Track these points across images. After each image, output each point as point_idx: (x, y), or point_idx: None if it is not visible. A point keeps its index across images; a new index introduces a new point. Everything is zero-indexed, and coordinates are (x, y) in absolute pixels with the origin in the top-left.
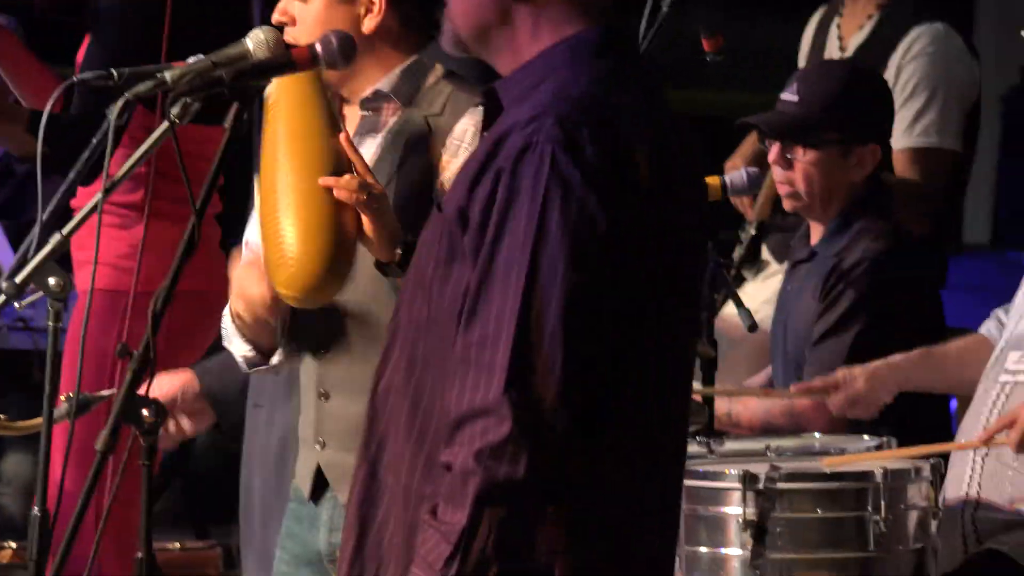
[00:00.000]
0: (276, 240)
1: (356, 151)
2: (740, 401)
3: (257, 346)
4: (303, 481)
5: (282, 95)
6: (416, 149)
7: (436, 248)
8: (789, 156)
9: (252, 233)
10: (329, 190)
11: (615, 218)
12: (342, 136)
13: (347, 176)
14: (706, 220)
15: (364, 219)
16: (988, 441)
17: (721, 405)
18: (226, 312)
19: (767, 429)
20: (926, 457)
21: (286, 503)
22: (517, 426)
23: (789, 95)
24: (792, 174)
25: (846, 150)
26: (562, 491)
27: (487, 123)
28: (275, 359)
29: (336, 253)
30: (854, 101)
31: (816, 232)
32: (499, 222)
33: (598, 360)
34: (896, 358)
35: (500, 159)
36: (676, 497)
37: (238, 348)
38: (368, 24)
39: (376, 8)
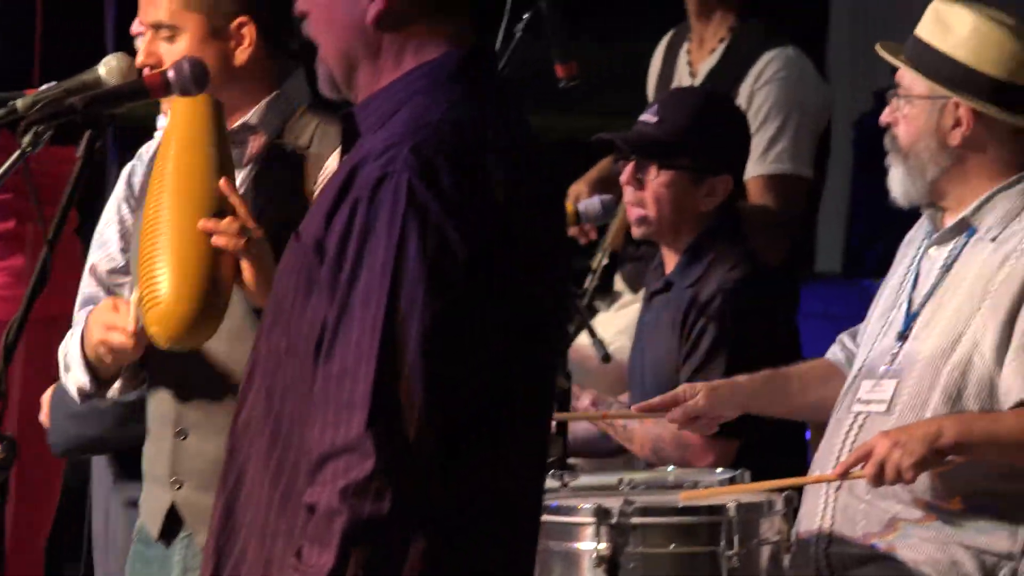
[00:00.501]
0: (151, 279)
1: (238, 195)
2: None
3: (97, 375)
4: (152, 520)
5: (177, 125)
6: (283, 183)
7: (294, 278)
8: (641, 176)
9: (96, 255)
10: (209, 236)
11: (474, 246)
12: (222, 182)
13: (227, 220)
14: (566, 247)
15: (243, 265)
16: (844, 475)
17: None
18: (67, 340)
19: (656, 453)
20: (780, 490)
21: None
22: (381, 462)
23: (649, 116)
24: (643, 195)
25: (698, 178)
26: (428, 521)
27: (345, 148)
28: (111, 392)
29: (210, 298)
30: (711, 130)
31: (670, 262)
32: (356, 253)
33: (460, 388)
34: (740, 378)
35: (356, 189)
36: (536, 527)
37: (75, 378)
38: (240, 57)
39: (247, 40)
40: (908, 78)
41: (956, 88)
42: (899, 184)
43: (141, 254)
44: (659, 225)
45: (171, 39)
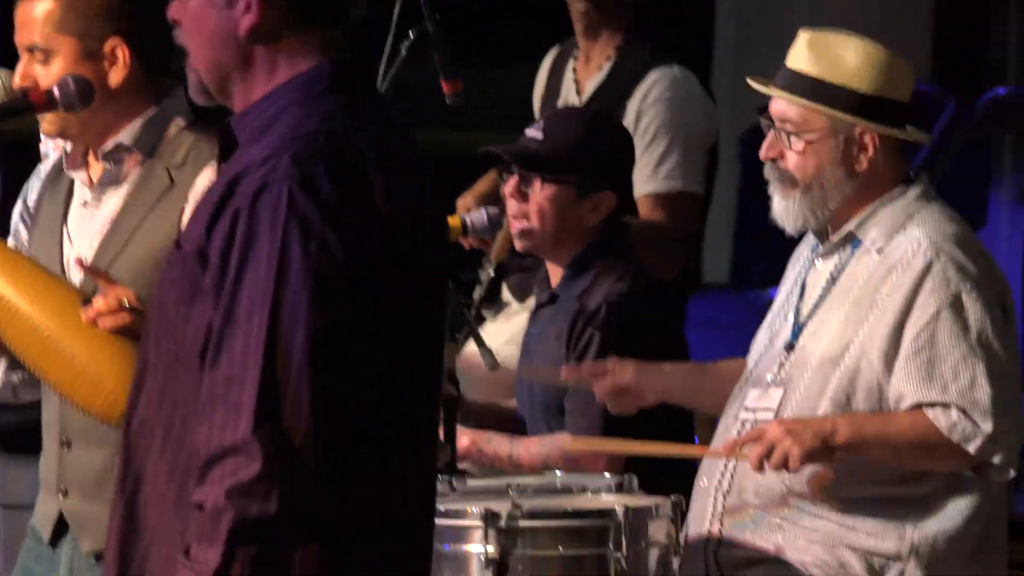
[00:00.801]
0: (76, 380)
1: (95, 270)
2: (521, 444)
3: None
4: (43, 525)
5: None
6: (158, 202)
7: (177, 287)
8: (525, 190)
9: None
10: (93, 324)
11: (355, 253)
12: (76, 259)
13: (100, 299)
14: (447, 256)
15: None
16: (732, 452)
17: (503, 448)
18: None
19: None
20: (669, 469)
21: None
22: (267, 463)
23: (534, 132)
24: (527, 207)
25: (582, 193)
26: (315, 526)
27: (223, 158)
28: None
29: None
30: (595, 147)
31: (555, 275)
32: (239, 262)
33: (346, 394)
34: (666, 365)
35: (237, 198)
36: (428, 535)
37: None
38: (114, 78)
39: (120, 61)
40: (796, 113)
41: (859, 115)
42: (793, 215)
43: (47, 368)
44: (542, 238)
45: (45, 61)
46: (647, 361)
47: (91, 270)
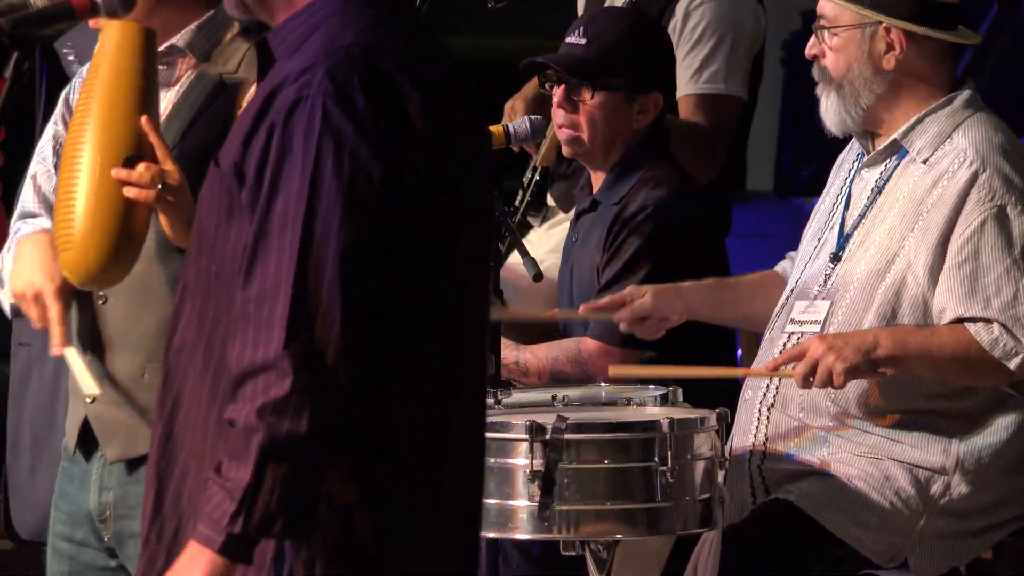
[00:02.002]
0: (65, 220)
1: (158, 135)
2: (528, 349)
3: None
4: (70, 433)
5: (106, 52)
6: (209, 107)
7: (216, 204)
8: (575, 98)
9: (37, 167)
10: (121, 184)
11: (389, 168)
12: (143, 120)
13: (141, 168)
14: (490, 166)
15: (159, 212)
16: (775, 371)
17: (509, 354)
18: (3, 256)
19: (555, 377)
20: (713, 384)
21: (57, 451)
22: (299, 381)
23: (576, 38)
24: (576, 117)
25: (630, 97)
26: (349, 444)
27: (261, 74)
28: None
29: (120, 247)
30: (639, 48)
31: (597, 181)
32: (273, 177)
33: (381, 311)
34: (685, 283)
35: (272, 113)
36: (478, 447)
37: (7, 295)
38: None
39: None
40: (831, 8)
41: (884, 12)
42: (833, 114)
43: (60, 188)
44: (592, 146)
45: None
46: (685, 268)
47: (148, 126)
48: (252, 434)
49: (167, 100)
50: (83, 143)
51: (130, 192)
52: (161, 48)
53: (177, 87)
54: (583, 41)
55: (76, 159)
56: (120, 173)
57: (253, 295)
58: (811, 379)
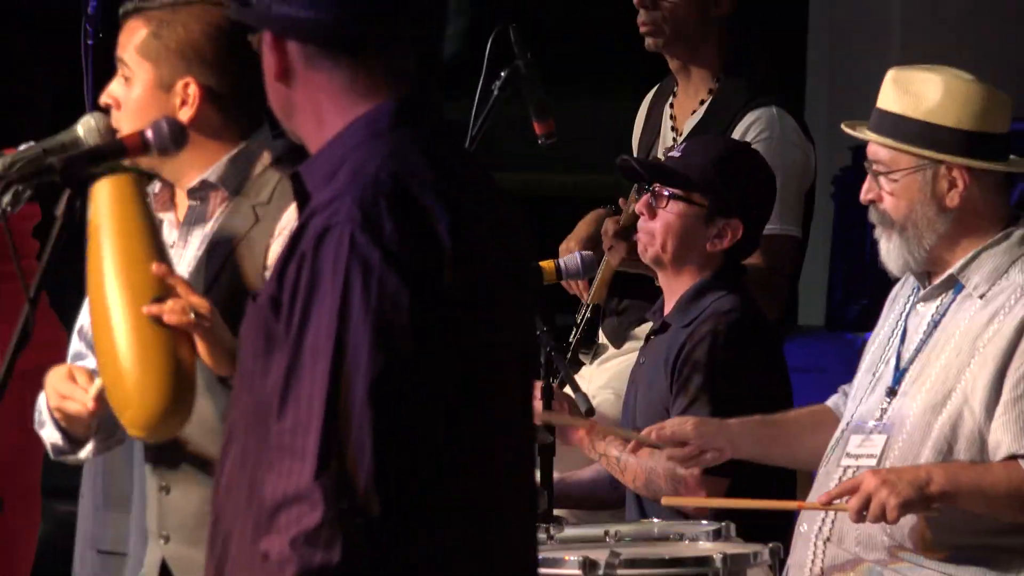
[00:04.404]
0: (115, 379)
1: (175, 275)
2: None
3: (69, 435)
4: (150, 572)
5: (105, 207)
6: (243, 240)
7: (254, 338)
8: (654, 205)
9: (84, 317)
10: (159, 319)
11: (418, 293)
12: (156, 268)
13: (170, 301)
14: (530, 293)
15: (196, 340)
16: (829, 504)
17: (614, 448)
18: (42, 396)
19: (649, 487)
20: (767, 521)
21: None
22: (330, 511)
23: (674, 152)
24: (653, 225)
25: (710, 216)
26: (383, 574)
27: (299, 207)
28: (83, 452)
29: (174, 380)
30: (729, 173)
31: (670, 303)
32: (304, 307)
33: (412, 437)
34: (731, 420)
35: (303, 243)
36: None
37: (48, 435)
38: (184, 115)
39: (191, 100)
40: (886, 153)
41: (943, 150)
42: (896, 257)
43: (99, 353)
44: (663, 253)
45: (128, 81)
46: (749, 400)
47: (164, 271)
48: (286, 565)
49: (203, 235)
50: (109, 303)
51: (170, 319)
52: (193, 183)
53: (212, 222)
54: (678, 154)
55: (106, 319)
56: (152, 308)
57: (287, 426)
58: (864, 513)
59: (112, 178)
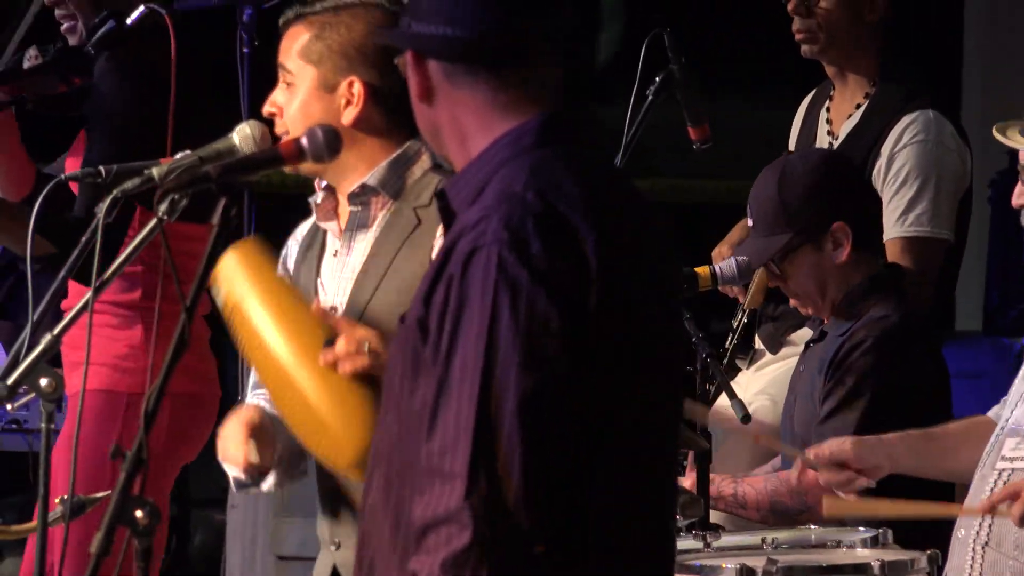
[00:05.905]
0: (320, 429)
1: (333, 315)
2: (745, 481)
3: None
4: None
5: (239, 282)
6: (405, 244)
7: (402, 360)
8: (777, 275)
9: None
10: (334, 366)
11: (567, 312)
12: (314, 306)
13: (341, 344)
14: (678, 302)
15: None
16: (990, 510)
17: (727, 487)
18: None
19: (774, 509)
20: (926, 525)
21: None
22: (479, 532)
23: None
24: (791, 288)
25: (812, 239)
26: None
27: (445, 225)
28: (266, 485)
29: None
30: (813, 190)
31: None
32: (452, 329)
33: (561, 461)
34: (889, 435)
35: (451, 264)
36: None
37: (231, 469)
38: (348, 116)
39: (356, 100)
40: None
41: None
42: None
43: (287, 412)
44: (820, 305)
45: (290, 87)
46: (905, 404)
47: (327, 315)
48: None
49: (366, 241)
50: (284, 364)
51: (345, 367)
52: (353, 188)
53: (374, 228)
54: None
55: (287, 380)
56: (328, 357)
57: (436, 448)
58: None
59: (235, 250)
